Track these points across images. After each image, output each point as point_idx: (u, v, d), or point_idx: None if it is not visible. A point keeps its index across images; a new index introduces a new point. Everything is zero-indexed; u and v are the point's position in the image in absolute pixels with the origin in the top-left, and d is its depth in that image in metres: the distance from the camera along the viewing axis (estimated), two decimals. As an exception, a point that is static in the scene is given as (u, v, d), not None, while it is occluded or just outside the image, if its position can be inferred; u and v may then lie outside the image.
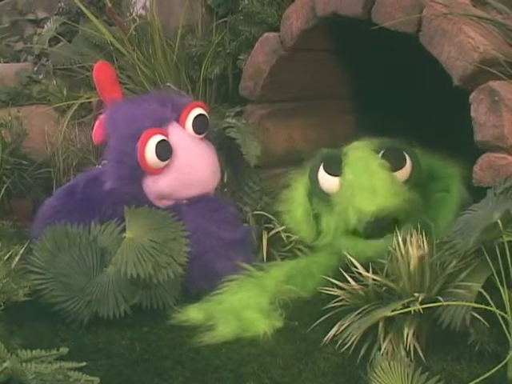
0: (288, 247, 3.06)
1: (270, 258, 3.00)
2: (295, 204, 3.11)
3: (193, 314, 2.62)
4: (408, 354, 2.19)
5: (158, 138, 2.84)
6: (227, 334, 2.48)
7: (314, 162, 3.05)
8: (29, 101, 4.13)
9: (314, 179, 3.03)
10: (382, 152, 2.92)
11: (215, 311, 2.61)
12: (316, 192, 3.04)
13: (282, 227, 3.09)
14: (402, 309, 2.22)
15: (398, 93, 3.38)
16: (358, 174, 2.89)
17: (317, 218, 3.08)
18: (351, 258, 2.57)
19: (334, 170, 2.97)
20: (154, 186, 2.89)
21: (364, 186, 2.85)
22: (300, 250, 3.05)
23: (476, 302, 2.13)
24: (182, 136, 2.96)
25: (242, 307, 2.61)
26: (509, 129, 2.35)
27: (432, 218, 2.84)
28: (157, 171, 2.87)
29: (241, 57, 3.41)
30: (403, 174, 2.92)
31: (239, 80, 3.41)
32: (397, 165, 2.91)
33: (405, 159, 2.93)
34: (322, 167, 3.01)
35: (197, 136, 3.00)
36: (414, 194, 2.89)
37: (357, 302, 2.41)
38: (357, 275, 2.50)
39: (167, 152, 2.87)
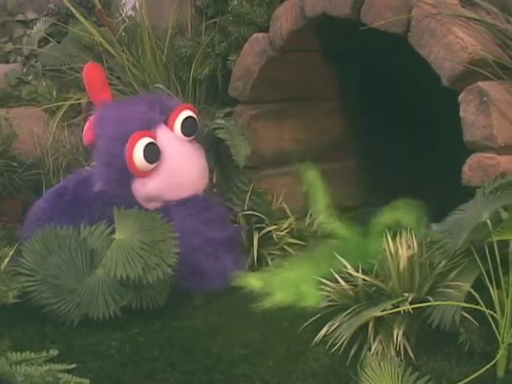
0: (278, 246, 3.08)
1: (261, 257, 3.02)
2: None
3: (253, 280, 2.85)
4: (398, 353, 2.19)
5: (146, 140, 2.82)
6: (285, 300, 2.67)
7: None
8: (18, 102, 4.13)
9: None
10: None
11: (273, 281, 2.83)
12: None
13: (273, 227, 3.11)
14: (391, 309, 2.23)
15: (389, 93, 3.39)
16: None
17: None
18: (341, 259, 2.58)
19: None
20: (143, 188, 2.87)
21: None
22: (291, 245, 3.13)
23: (465, 302, 2.14)
24: (170, 138, 2.94)
25: (299, 280, 2.81)
26: (497, 129, 2.37)
27: None
28: (145, 174, 2.85)
29: (230, 57, 3.41)
30: None
31: (229, 81, 3.41)
32: None
33: None
34: None
35: (185, 138, 2.98)
36: None
37: (347, 302, 2.41)
38: (346, 275, 2.51)
39: (155, 155, 2.85)
